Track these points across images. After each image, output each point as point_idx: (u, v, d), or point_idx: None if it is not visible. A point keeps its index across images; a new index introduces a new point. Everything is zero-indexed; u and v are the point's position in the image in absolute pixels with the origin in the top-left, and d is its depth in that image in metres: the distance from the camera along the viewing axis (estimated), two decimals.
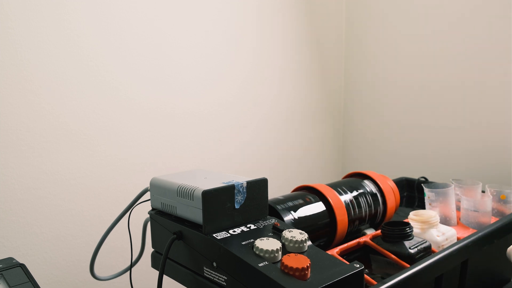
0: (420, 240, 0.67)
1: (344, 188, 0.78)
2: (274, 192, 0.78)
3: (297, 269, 0.45)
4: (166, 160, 1.00)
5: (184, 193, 0.55)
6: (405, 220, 0.73)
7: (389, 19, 1.28)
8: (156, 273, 0.58)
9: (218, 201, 0.54)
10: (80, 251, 0.88)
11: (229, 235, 0.53)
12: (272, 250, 0.48)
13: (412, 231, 0.68)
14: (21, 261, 0.70)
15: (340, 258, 0.64)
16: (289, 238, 0.51)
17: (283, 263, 0.46)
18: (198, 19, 1.03)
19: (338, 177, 1.46)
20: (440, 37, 1.17)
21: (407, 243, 0.66)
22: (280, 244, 0.50)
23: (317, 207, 0.72)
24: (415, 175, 1.16)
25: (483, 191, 0.87)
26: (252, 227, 0.55)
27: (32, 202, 0.81)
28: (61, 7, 0.82)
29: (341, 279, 0.46)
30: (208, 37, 1.06)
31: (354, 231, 0.78)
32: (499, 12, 1.04)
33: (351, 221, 0.75)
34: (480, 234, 0.69)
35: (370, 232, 0.77)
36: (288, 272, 0.45)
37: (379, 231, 0.71)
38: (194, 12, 1.02)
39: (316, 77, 1.35)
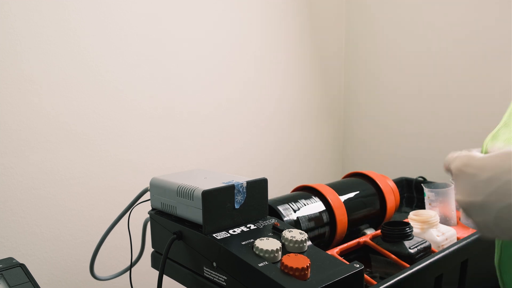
0: (420, 240, 0.67)
1: (344, 188, 0.78)
2: (274, 192, 0.78)
3: (297, 269, 0.45)
4: (166, 160, 1.00)
5: (184, 193, 0.55)
6: (405, 220, 0.73)
7: (388, 25, 1.28)
8: (156, 273, 0.58)
9: (218, 201, 0.54)
10: (80, 251, 0.88)
11: (229, 235, 0.53)
12: (272, 250, 0.48)
13: (412, 231, 0.68)
14: (21, 261, 0.70)
15: (340, 258, 0.64)
16: (289, 238, 0.51)
17: (283, 263, 0.46)
18: (200, 20, 1.03)
19: (338, 177, 1.46)
20: (439, 40, 1.17)
21: (407, 243, 0.66)
22: (280, 244, 0.50)
23: (317, 207, 0.72)
24: (415, 175, 1.16)
25: None
26: (252, 227, 0.56)
27: (32, 202, 0.81)
28: (61, 7, 0.82)
29: (341, 279, 0.46)
30: (210, 38, 1.06)
31: (354, 231, 0.78)
32: (499, 19, 1.05)
33: (350, 221, 0.75)
34: (480, 234, 0.69)
35: (370, 232, 0.77)
36: (288, 272, 0.45)
37: (379, 231, 0.71)
38: (196, 13, 1.02)
39: (317, 79, 1.35)
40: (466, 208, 0.40)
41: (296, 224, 0.67)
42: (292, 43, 1.26)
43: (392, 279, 0.55)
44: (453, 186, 0.83)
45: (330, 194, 0.74)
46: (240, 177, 0.59)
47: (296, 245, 0.51)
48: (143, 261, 0.73)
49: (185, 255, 0.57)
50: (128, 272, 0.71)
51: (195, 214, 0.54)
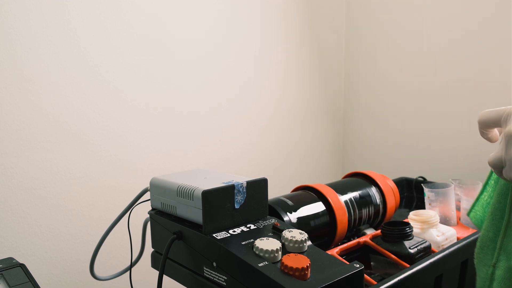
0: (420, 240, 0.67)
1: (344, 188, 0.78)
2: (274, 192, 0.78)
3: (297, 269, 0.45)
4: (166, 160, 1.00)
5: (184, 193, 0.55)
6: (405, 220, 0.73)
7: (388, 25, 1.28)
8: (156, 273, 0.58)
9: (218, 201, 0.54)
10: (80, 251, 0.88)
11: (229, 235, 0.53)
12: (272, 250, 0.48)
13: (412, 231, 0.68)
14: (21, 261, 0.70)
15: (340, 258, 0.64)
16: (289, 238, 0.51)
17: (283, 263, 0.46)
18: (200, 20, 1.03)
19: (338, 177, 1.46)
20: (439, 40, 1.17)
21: (407, 243, 0.66)
22: (280, 244, 0.50)
23: (317, 207, 0.72)
24: (415, 175, 1.16)
25: None
26: (252, 227, 0.56)
27: (32, 202, 0.81)
28: (61, 7, 0.82)
29: (341, 279, 0.46)
30: (210, 38, 1.06)
31: (354, 231, 0.78)
32: (499, 19, 1.05)
33: (351, 221, 0.75)
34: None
35: (370, 232, 0.77)
36: (288, 272, 0.45)
37: (379, 231, 0.71)
38: (196, 13, 1.02)
39: (317, 79, 1.35)
40: None
41: (296, 224, 0.67)
42: (292, 43, 1.26)
43: (392, 279, 0.55)
44: (453, 186, 0.83)
45: (330, 194, 0.73)
46: (240, 177, 0.59)
47: (296, 245, 0.51)
48: (143, 261, 0.73)
49: (185, 255, 0.57)
50: (128, 272, 0.71)
51: (195, 214, 0.54)
